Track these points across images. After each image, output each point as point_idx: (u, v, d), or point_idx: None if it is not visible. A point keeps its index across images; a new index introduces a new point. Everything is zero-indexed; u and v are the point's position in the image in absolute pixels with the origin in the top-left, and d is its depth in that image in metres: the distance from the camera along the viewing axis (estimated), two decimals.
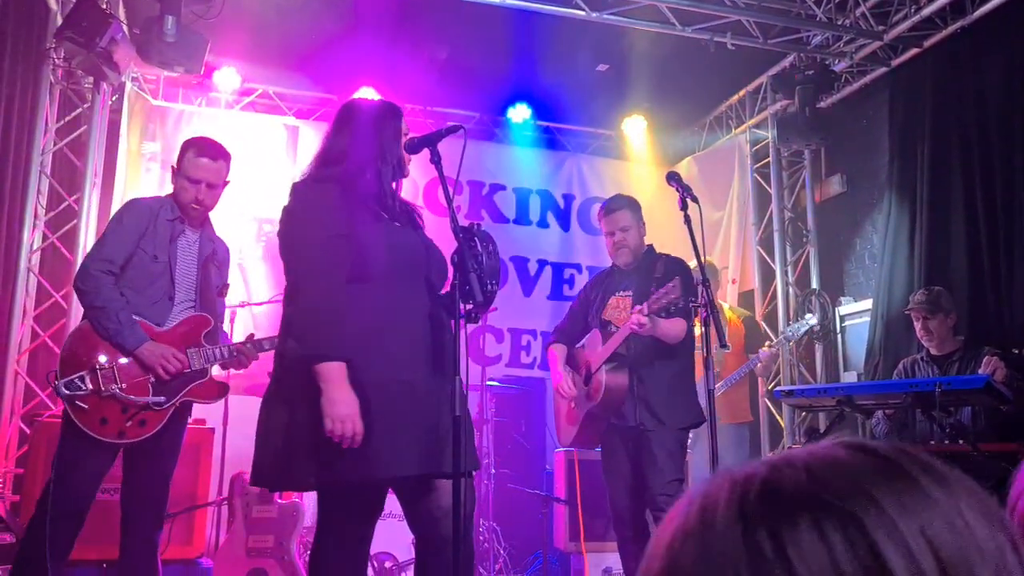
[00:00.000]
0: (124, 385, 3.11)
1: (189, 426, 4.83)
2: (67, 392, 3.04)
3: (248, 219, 6.65)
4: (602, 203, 4.01)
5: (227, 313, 5.32)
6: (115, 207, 5.60)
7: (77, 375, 3.07)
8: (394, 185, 2.56)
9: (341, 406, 2.23)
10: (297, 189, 2.49)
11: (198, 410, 5.23)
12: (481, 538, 5.20)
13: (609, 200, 4.05)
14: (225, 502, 4.70)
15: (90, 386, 3.07)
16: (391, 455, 2.28)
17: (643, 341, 3.68)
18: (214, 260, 3.46)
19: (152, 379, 3.17)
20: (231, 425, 5.01)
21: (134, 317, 3.16)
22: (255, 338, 3.45)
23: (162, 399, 3.16)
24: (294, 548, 4.46)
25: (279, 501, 4.54)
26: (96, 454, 3.10)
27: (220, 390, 3.41)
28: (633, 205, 3.98)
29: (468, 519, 2.37)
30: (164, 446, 3.25)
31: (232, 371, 3.72)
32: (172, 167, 3.44)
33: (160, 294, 3.25)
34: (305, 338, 2.31)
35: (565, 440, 4.13)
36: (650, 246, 4.02)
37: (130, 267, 3.20)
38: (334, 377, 2.25)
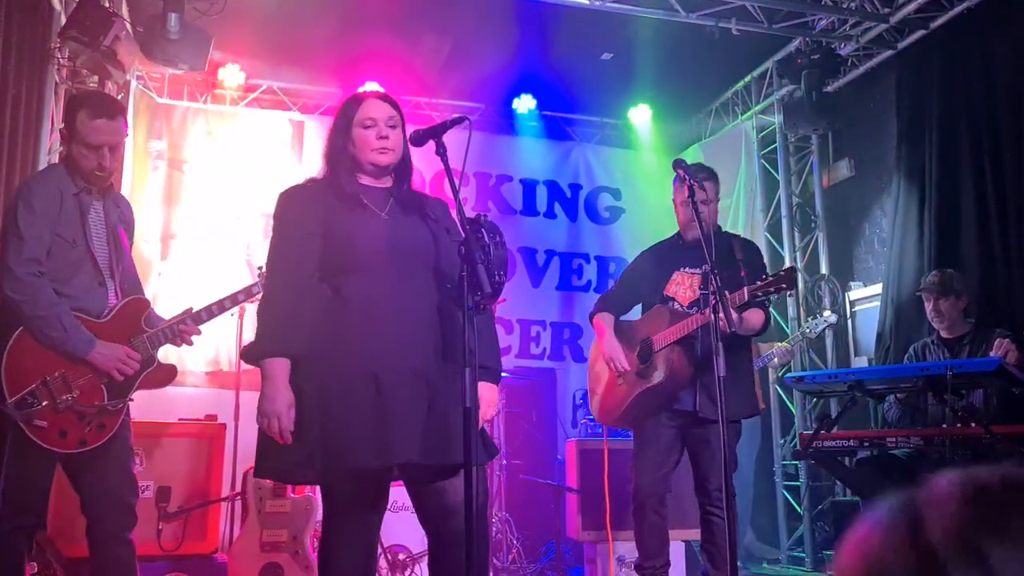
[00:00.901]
0: (77, 393, 2.88)
1: (201, 422, 4.92)
2: (21, 412, 2.78)
3: (255, 215, 6.65)
4: (687, 167, 3.47)
5: (236, 309, 5.36)
6: None
7: (27, 391, 2.81)
8: (364, 176, 2.57)
9: (267, 402, 2.31)
10: (280, 196, 2.57)
11: (210, 406, 5.30)
12: (494, 529, 5.21)
13: (698, 166, 3.82)
14: (238, 497, 4.71)
15: (44, 401, 2.82)
16: (376, 445, 2.28)
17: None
18: (122, 222, 3.17)
19: (105, 381, 2.96)
20: (242, 420, 5.02)
21: (75, 315, 2.91)
22: (193, 311, 3.22)
23: (117, 400, 2.97)
24: (308, 542, 4.48)
25: (292, 495, 4.55)
26: (46, 466, 2.91)
27: (170, 375, 3.20)
28: (716, 178, 3.80)
29: (481, 511, 2.37)
30: (119, 446, 3.03)
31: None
32: (60, 131, 3.02)
33: (89, 281, 2.99)
34: (257, 336, 2.42)
35: (604, 417, 3.99)
36: (718, 225, 3.88)
37: (51, 258, 2.89)
38: (272, 374, 2.33)
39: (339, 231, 2.44)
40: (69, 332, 2.87)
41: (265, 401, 2.31)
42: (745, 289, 3.37)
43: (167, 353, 3.56)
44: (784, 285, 3.33)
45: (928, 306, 4.40)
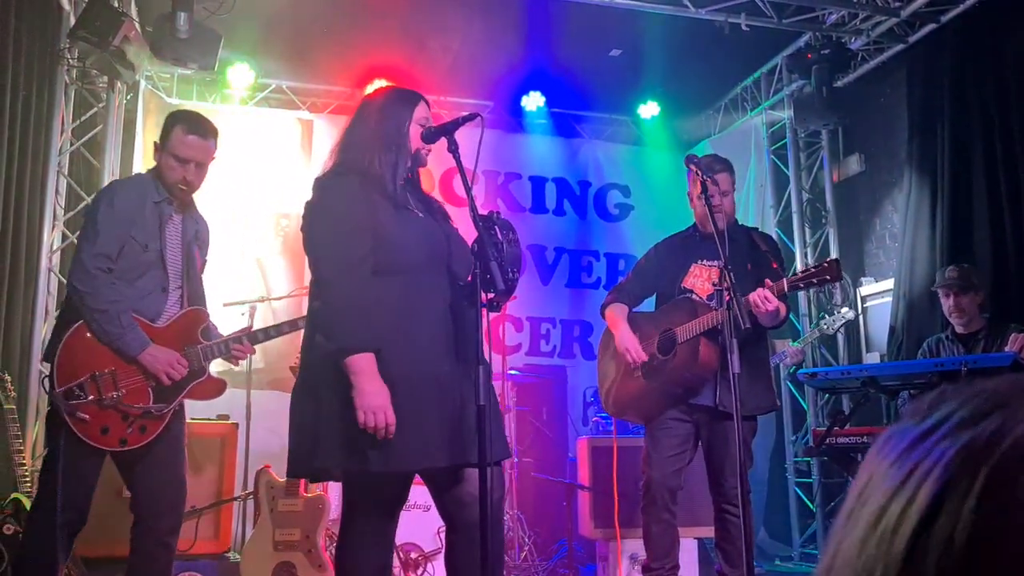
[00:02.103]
0: (124, 391, 2.96)
1: (213, 422, 4.92)
2: (68, 403, 2.88)
3: (266, 214, 6.66)
4: (699, 161, 3.43)
5: (247, 308, 5.37)
6: None
7: (76, 383, 2.91)
8: (408, 174, 2.55)
9: (373, 397, 2.24)
10: (319, 183, 2.49)
11: (222, 405, 5.29)
12: (506, 527, 5.20)
13: (713, 157, 3.80)
14: (251, 496, 4.72)
15: (90, 395, 2.91)
16: (418, 447, 2.29)
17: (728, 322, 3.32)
18: (197, 241, 3.28)
19: (152, 384, 3.03)
20: (255, 420, 5.03)
21: (133, 316, 3.00)
22: (251, 330, 3.33)
23: (162, 405, 3.03)
24: (320, 541, 4.48)
25: (304, 494, 4.55)
26: (93, 461, 3.00)
27: (219, 388, 3.27)
28: (731, 169, 3.74)
29: (497, 507, 2.37)
30: (166, 448, 3.09)
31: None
32: (155, 143, 3.19)
33: (153, 285, 3.07)
34: (333, 332, 2.32)
35: (616, 409, 3.92)
36: (734, 217, 3.82)
37: (121, 258, 3.01)
38: (364, 369, 2.26)
39: (388, 231, 2.40)
40: (125, 330, 2.96)
41: (368, 396, 2.24)
42: (784, 280, 3.33)
43: None
44: (828, 276, 3.26)
45: (948, 302, 4.36)
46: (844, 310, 5.78)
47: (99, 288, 2.95)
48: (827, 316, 5.99)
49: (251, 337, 3.28)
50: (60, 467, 2.90)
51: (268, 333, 3.34)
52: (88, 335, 2.97)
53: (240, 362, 3.37)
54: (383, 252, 2.38)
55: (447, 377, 2.36)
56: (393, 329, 2.34)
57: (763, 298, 3.30)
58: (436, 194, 2.60)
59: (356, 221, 2.38)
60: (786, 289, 3.33)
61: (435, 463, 2.34)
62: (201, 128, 3.17)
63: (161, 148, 3.16)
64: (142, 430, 3.00)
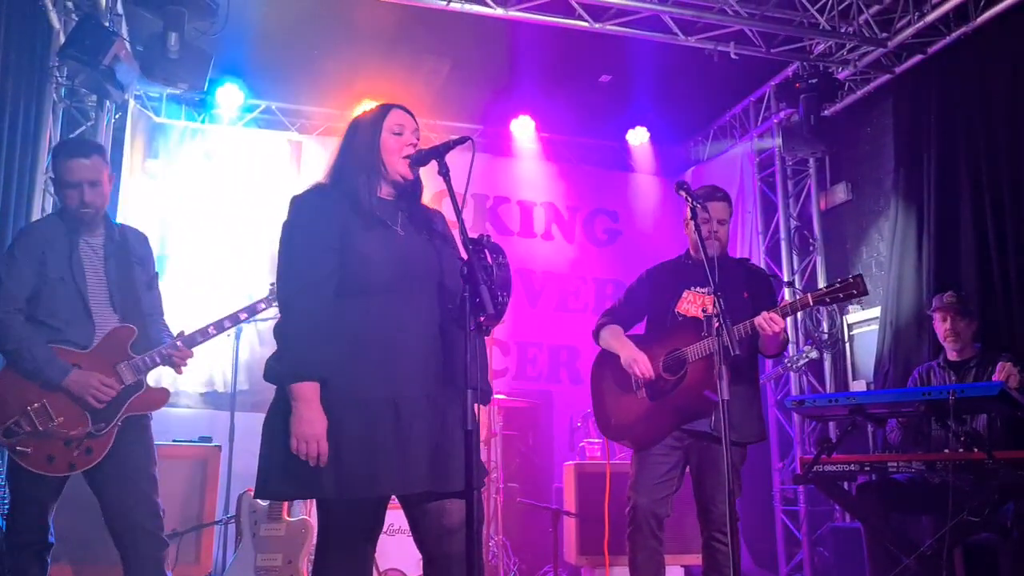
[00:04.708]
0: (61, 419, 3.06)
1: (196, 444, 4.87)
2: (7, 440, 3.02)
3: (253, 234, 6.64)
4: (688, 188, 3.35)
5: (233, 329, 5.33)
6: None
7: (12, 420, 3.03)
8: (384, 187, 2.51)
9: (308, 425, 2.23)
10: (291, 201, 2.48)
11: (204, 427, 5.25)
12: (491, 553, 5.15)
13: (712, 188, 3.80)
14: (232, 520, 4.66)
15: (27, 428, 3.03)
16: (370, 473, 2.24)
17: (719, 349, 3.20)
18: (131, 256, 3.36)
19: (85, 407, 3.11)
20: (238, 442, 4.98)
21: (53, 346, 3.11)
22: (185, 334, 3.36)
23: (101, 424, 3.11)
24: (303, 566, 4.42)
25: (287, 519, 4.50)
26: (48, 488, 3.10)
27: (161, 398, 3.32)
28: (726, 199, 3.76)
29: (478, 533, 2.32)
30: (128, 465, 3.17)
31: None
32: (50, 178, 3.34)
33: (76, 313, 3.18)
34: (282, 355, 2.31)
35: (616, 432, 3.82)
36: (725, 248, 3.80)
37: (40, 297, 3.15)
38: (305, 396, 2.25)
39: (358, 249, 2.37)
40: (40, 363, 3.07)
41: (303, 424, 2.23)
42: (809, 295, 3.34)
43: (161, 374, 3.55)
44: (855, 291, 3.25)
45: (944, 326, 4.37)
46: (807, 348, 5.88)
47: (6, 330, 3.09)
48: (793, 353, 6.07)
49: (187, 340, 3.34)
50: (14, 493, 3.10)
51: (207, 332, 3.42)
52: (14, 374, 3.10)
53: (183, 369, 3.39)
54: (350, 271, 2.35)
55: (412, 402, 2.31)
56: (351, 352, 2.31)
57: (769, 320, 3.30)
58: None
59: (320, 240, 2.36)
60: (811, 303, 3.34)
61: (389, 490, 2.31)
62: (80, 149, 3.31)
63: (55, 183, 3.31)
64: (88, 452, 3.10)
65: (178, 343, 3.31)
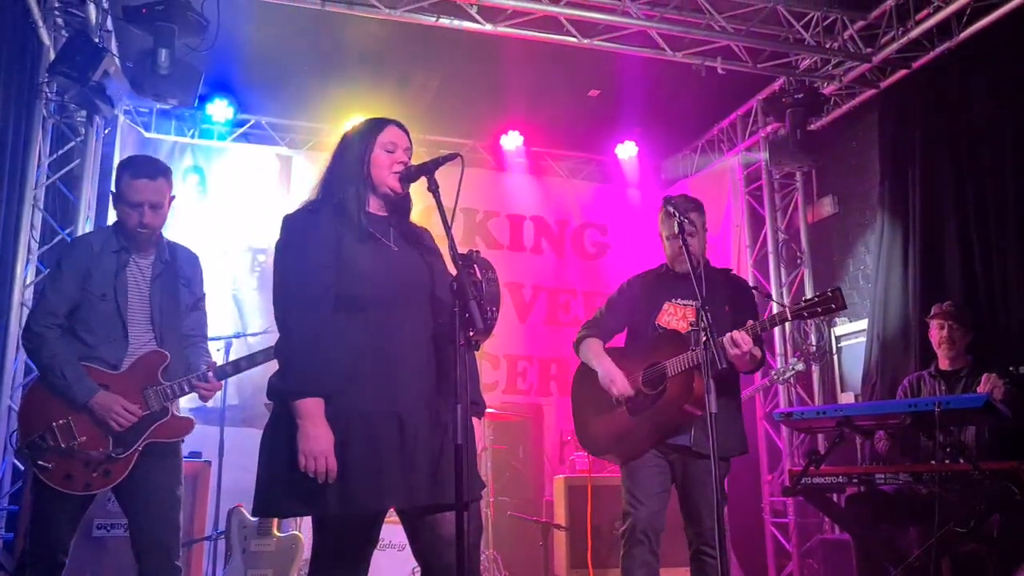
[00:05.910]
0: (83, 439, 3.04)
1: (185, 460, 4.84)
2: (30, 453, 3.02)
3: (242, 250, 6.65)
4: (675, 202, 3.43)
5: (223, 344, 5.33)
6: None
7: (37, 434, 3.02)
8: (386, 204, 2.53)
9: (315, 442, 2.23)
10: (284, 220, 2.48)
11: (194, 443, 5.22)
12: (481, 567, 5.15)
13: (683, 198, 3.75)
14: (223, 536, 4.64)
15: (51, 443, 3.02)
16: (374, 486, 2.25)
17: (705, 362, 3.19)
18: (179, 278, 3.33)
19: (108, 430, 3.08)
20: (228, 457, 4.97)
21: (84, 364, 3.08)
22: (216, 365, 3.33)
23: (120, 449, 3.08)
24: None
25: (277, 534, 4.49)
26: (65, 505, 3.06)
27: (186, 427, 3.28)
28: (702, 209, 3.69)
29: (473, 547, 2.33)
30: (152, 487, 3.14)
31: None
32: (111, 192, 3.29)
33: (113, 332, 3.15)
34: (285, 373, 2.31)
35: (596, 448, 3.81)
36: (706, 258, 3.77)
37: (80, 310, 3.13)
38: (310, 412, 2.25)
39: (354, 265, 2.38)
40: (69, 381, 3.04)
41: (310, 441, 2.22)
42: (787, 309, 3.34)
43: None
44: (834, 305, 3.25)
45: (941, 333, 4.40)
46: (794, 360, 5.90)
47: (41, 344, 3.09)
48: (781, 366, 6.11)
49: (218, 372, 3.30)
50: (30, 507, 3.08)
51: (238, 366, 3.36)
52: (44, 388, 3.09)
53: (208, 400, 3.38)
54: (346, 286, 2.36)
55: (414, 415, 2.33)
56: (352, 367, 2.31)
57: (730, 342, 3.29)
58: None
59: (315, 257, 2.37)
60: (789, 318, 3.35)
61: (395, 503, 2.31)
62: (148, 170, 3.23)
63: (116, 197, 3.24)
64: (106, 474, 3.07)
65: (209, 374, 3.26)
